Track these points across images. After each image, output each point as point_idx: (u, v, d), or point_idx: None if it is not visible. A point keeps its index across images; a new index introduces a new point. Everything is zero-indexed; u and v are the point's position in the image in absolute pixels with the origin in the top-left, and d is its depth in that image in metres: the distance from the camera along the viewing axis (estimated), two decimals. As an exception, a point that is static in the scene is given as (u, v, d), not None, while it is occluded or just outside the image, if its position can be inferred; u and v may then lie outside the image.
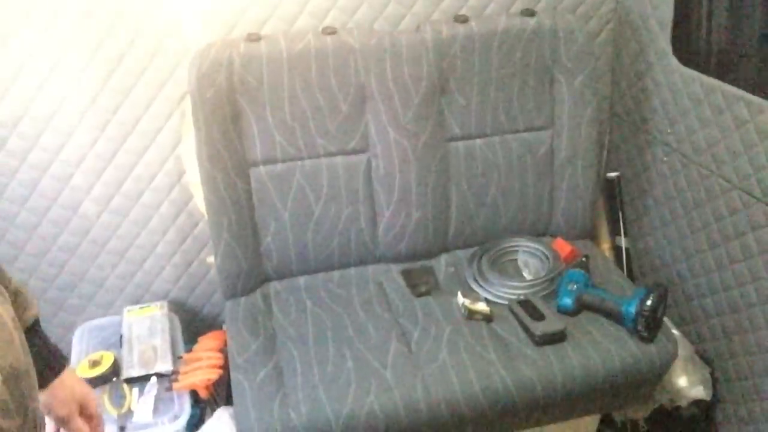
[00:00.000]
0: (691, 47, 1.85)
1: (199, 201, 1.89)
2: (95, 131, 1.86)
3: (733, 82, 1.70)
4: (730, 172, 1.73)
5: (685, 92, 1.86)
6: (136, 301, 2.09)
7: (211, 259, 1.91)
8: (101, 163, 1.90)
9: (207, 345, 1.95)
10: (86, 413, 1.11)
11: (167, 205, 2.00)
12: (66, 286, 2.03)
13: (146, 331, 1.94)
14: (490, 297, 1.81)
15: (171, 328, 1.97)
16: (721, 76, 1.74)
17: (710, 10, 1.76)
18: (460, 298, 1.77)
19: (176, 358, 1.87)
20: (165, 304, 2.05)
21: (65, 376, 1.07)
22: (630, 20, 2.05)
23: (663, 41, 1.91)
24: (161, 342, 1.90)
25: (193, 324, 2.13)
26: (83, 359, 1.85)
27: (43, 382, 1.03)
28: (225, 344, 1.86)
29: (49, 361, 1.05)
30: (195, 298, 2.16)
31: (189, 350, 1.94)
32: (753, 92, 1.64)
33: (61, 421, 1.08)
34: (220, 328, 2.04)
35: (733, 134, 1.70)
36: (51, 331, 2.01)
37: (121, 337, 1.93)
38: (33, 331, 1.03)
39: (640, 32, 2.01)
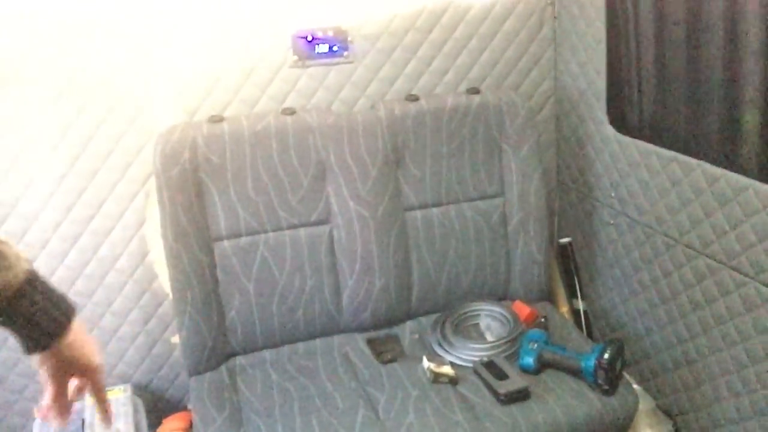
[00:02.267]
0: (626, 116, 2.00)
1: (164, 280, 1.92)
2: (60, 213, 1.89)
3: (666, 145, 1.83)
4: (672, 229, 1.84)
5: (623, 158, 1.99)
6: (99, 384, 2.05)
7: (175, 339, 1.92)
8: (65, 245, 1.92)
9: (171, 426, 1.92)
10: (91, 378, 1.00)
11: (131, 286, 2.01)
12: (27, 372, 1.99)
13: (109, 415, 1.89)
14: (454, 360, 1.84)
15: (134, 412, 1.93)
16: (654, 141, 1.88)
17: (639, 83, 1.92)
18: (426, 363, 1.79)
19: (140, 441, 1.83)
20: (128, 387, 2.00)
21: (73, 331, 0.95)
22: (568, 95, 2.22)
23: (600, 112, 2.07)
24: (124, 426, 1.86)
25: (157, 407, 2.09)
26: (43, 446, 1.80)
27: (48, 341, 0.92)
28: (190, 425, 1.84)
29: (54, 317, 0.92)
30: (159, 380, 2.13)
31: (153, 432, 1.90)
32: (684, 153, 1.77)
33: (56, 380, 0.96)
34: (186, 409, 2.01)
35: (671, 193, 1.82)
36: (10, 419, 1.98)
37: (83, 422, 1.88)
38: (23, 292, 0.88)
39: (579, 106, 2.17)
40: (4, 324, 0.89)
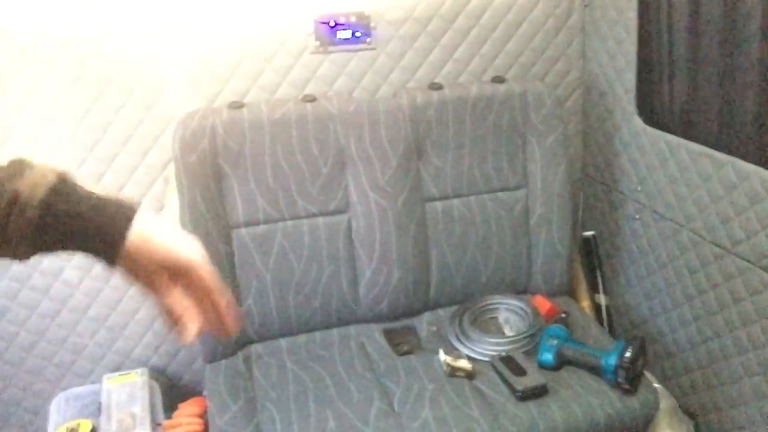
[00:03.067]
0: (655, 108, 1.94)
1: (182, 265, 1.91)
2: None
3: (696, 140, 1.78)
4: (700, 225, 1.79)
5: (651, 151, 1.94)
6: (116, 368, 2.06)
7: (192, 324, 1.91)
8: (84, 229, 1.92)
9: (187, 411, 1.92)
10: (187, 281, 0.79)
11: (149, 271, 2.01)
12: (45, 354, 2.00)
13: (126, 399, 1.90)
14: (472, 354, 1.81)
15: (151, 396, 1.94)
16: (684, 134, 1.82)
17: (671, 73, 1.86)
18: (442, 356, 1.77)
19: (155, 426, 1.83)
20: (145, 371, 2.02)
21: (139, 231, 0.76)
22: (596, 86, 2.16)
23: (628, 104, 2.01)
24: (140, 409, 1.87)
25: (173, 391, 2.09)
26: (59, 428, 1.81)
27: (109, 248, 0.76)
28: (205, 411, 1.84)
29: (106, 217, 0.75)
30: (176, 364, 2.14)
31: (169, 417, 1.91)
32: (715, 148, 1.71)
33: (150, 291, 0.79)
34: (201, 395, 2.02)
35: (700, 189, 1.77)
36: (28, 401, 2.00)
37: (99, 405, 1.90)
38: (57, 191, 0.73)
39: (607, 96, 2.11)
40: (49, 239, 0.74)
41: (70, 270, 1.95)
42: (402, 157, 1.90)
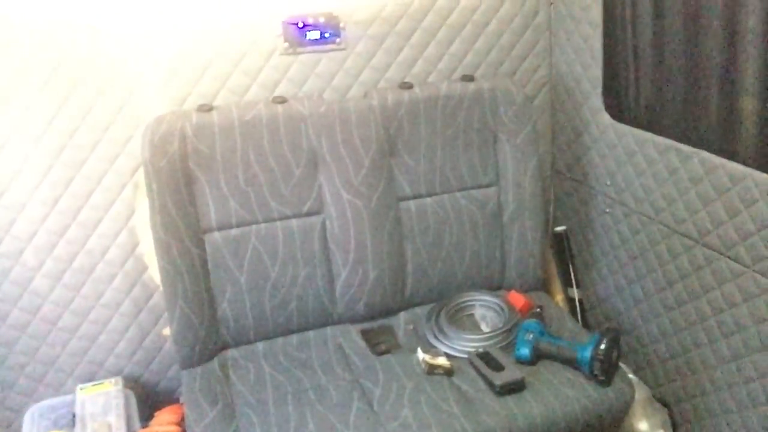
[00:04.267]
0: (622, 104, 1.97)
1: (154, 271, 1.89)
2: (47, 206, 1.86)
3: (663, 133, 1.81)
4: (668, 218, 1.82)
5: (619, 146, 1.97)
6: (90, 378, 2.02)
7: (166, 331, 1.89)
8: (53, 237, 1.89)
9: (164, 420, 1.89)
10: None
11: (121, 278, 1.98)
12: (16, 366, 1.96)
13: (100, 409, 1.87)
14: (449, 351, 1.82)
15: (126, 405, 1.90)
16: (651, 129, 1.85)
17: (636, 69, 1.89)
18: (420, 354, 1.77)
19: (132, 435, 1.81)
20: (119, 380, 1.98)
21: None
22: (564, 82, 2.19)
23: (596, 100, 2.04)
24: (116, 419, 1.84)
25: (149, 399, 2.06)
26: (33, 441, 1.78)
27: None
28: (182, 418, 1.82)
29: None
30: (150, 372, 2.11)
31: (145, 426, 1.88)
32: (681, 141, 1.75)
33: None
34: (177, 402, 1.99)
35: (668, 182, 1.80)
36: (0, 414, 1.95)
37: (73, 416, 1.86)
38: None
39: (574, 93, 2.14)
40: None
41: (39, 279, 1.91)
42: (374, 157, 1.90)
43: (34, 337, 1.95)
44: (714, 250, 1.69)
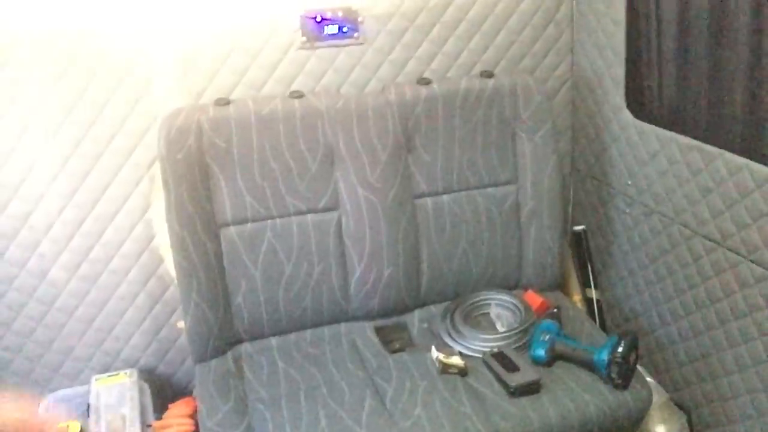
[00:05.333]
0: (645, 102, 1.94)
1: (169, 265, 1.89)
2: (63, 198, 1.87)
3: (686, 133, 1.77)
4: (690, 219, 1.78)
5: (641, 145, 1.93)
6: (105, 369, 2.04)
7: (181, 324, 1.89)
8: (69, 229, 1.90)
9: (177, 412, 1.90)
10: None
11: (136, 271, 1.99)
12: (33, 356, 1.98)
13: (115, 400, 1.88)
14: (464, 350, 1.80)
15: (140, 396, 1.92)
16: (674, 128, 1.82)
17: (660, 67, 1.85)
18: (434, 353, 1.76)
19: (145, 427, 1.82)
20: (134, 371, 2.00)
21: None
22: (585, 80, 2.15)
23: (617, 98, 2.00)
24: (130, 411, 1.85)
25: (163, 391, 2.07)
26: (48, 431, 1.79)
27: None
28: (195, 411, 1.82)
29: None
30: (165, 365, 2.12)
31: (159, 418, 1.89)
32: (705, 141, 1.71)
33: None
34: (191, 395, 2.00)
35: (690, 182, 1.76)
36: (15, 403, 1.96)
37: (88, 406, 1.88)
38: None
39: (596, 90, 2.10)
40: None
41: (56, 270, 1.92)
42: (391, 153, 1.88)
43: (50, 327, 1.97)
44: (736, 254, 1.65)
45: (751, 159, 1.57)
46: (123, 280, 1.99)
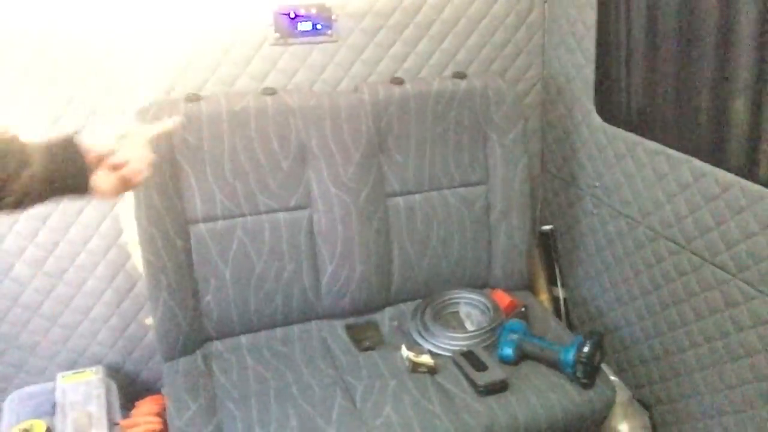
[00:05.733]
0: (613, 106, 1.97)
1: (137, 261, 1.87)
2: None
3: (653, 138, 1.81)
4: (656, 222, 1.82)
5: (609, 148, 1.97)
6: (71, 366, 2.01)
7: (149, 321, 1.87)
8: (35, 224, 1.86)
9: (145, 410, 1.88)
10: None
11: (103, 266, 1.96)
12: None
13: (81, 398, 1.86)
14: (434, 349, 1.82)
15: (107, 394, 1.90)
16: (642, 132, 1.85)
17: (628, 72, 1.89)
18: (405, 352, 1.77)
19: (112, 425, 1.80)
20: (101, 369, 1.97)
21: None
22: (556, 82, 2.18)
23: (587, 101, 2.03)
24: (96, 408, 1.83)
25: (130, 389, 2.05)
26: (13, 429, 1.76)
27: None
28: (164, 409, 1.80)
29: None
30: (132, 362, 2.09)
31: (126, 416, 1.87)
32: (672, 146, 1.74)
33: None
34: (159, 392, 1.98)
35: (656, 186, 1.80)
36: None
37: (54, 404, 1.85)
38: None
39: (566, 93, 2.13)
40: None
41: (20, 266, 1.88)
42: (364, 153, 1.89)
43: (14, 324, 1.93)
44: (699, 257, 1.69)
45: (715, 166, 1.61)
46: (90, 275, 1.96)
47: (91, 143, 1.14)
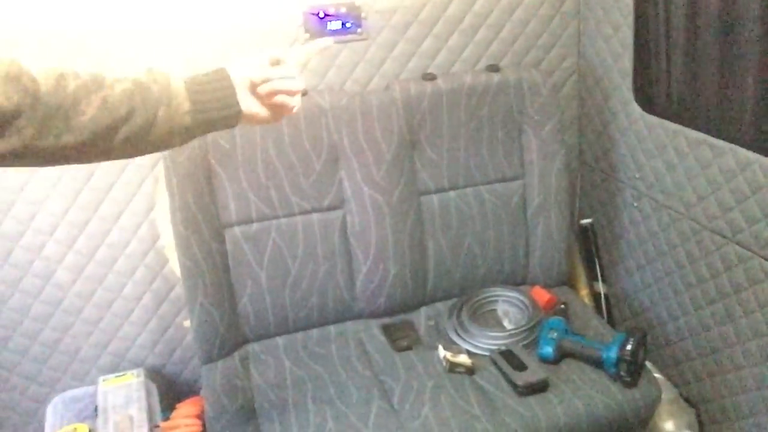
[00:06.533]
0: (653, 94, 1.91)
1: (174, 265, 1.88)
2: (67, 200, 1.86)
3: (695, 127, 1.75)
4: (699, 214, 1.76)
5: (649, 138, 1.91)
6: (112, 369, 2.04)
7: (187, 323, 1.89)
8: (74, 231, 1.89)
9: (185, 412, 1.90)
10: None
11: (142, 271, 1.98)
12: (39, 357, 1.98)
13: (122, 401, 1.88)
14: (471, 348, 1.79)
15: (148, 396, 1.92)
16: (682, 121, 1.79)
17: (668, 59, 1.83)
18: (442, 351, 1.75)
19: (153, 427, 1.82)
20: (141, 371, 2.00)
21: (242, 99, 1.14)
22: (592, 72, 2.12)
23: (625, 91, 1.98)
24: (137, 411, 1.85)
25: (170, 391, 2.07)
26: (57, 432, 1.80)
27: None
28: (203, 411, 1.82)
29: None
30: (172, 364, 2.12)
31: (166, 418, 1.89)
32: (714, 135, 1.69)
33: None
34: (199, 394, 2.00)
35: (699, 177, 1.74)
36: (23, 404, 1.99)
37: (96, 407, 1.88)
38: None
39: (603, 83, 2.07)
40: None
41: (61, 272, 1.92)
42: (396, 151, 1.86)
43: (56, 329, 1.96)
44: (746, 249, 1.63)
45: (761, 154, 1.55)
46: (129, 280, 1.98)
47: (243, 72, 1.14)
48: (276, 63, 1.18)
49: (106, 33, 1.76)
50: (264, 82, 1.15)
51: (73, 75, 0.96)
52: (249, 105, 1.14)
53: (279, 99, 1.16)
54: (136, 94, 1.01)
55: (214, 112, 1.10)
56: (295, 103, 1.19)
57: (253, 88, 1.15)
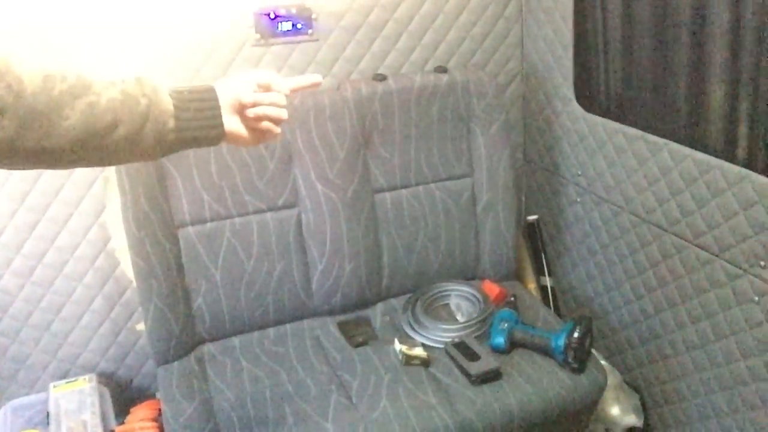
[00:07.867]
0: (593, 94, 2.00)
1: (126, 267, 1.86)
2: (15, 202, 1.82)
3: (633, 124, 1.84)
4: (638, 207, 1.85)
5: (590, 136, 2.00)
6: (63, 375, 2.00)
7: (140, 327, 1.87)
8: (22, 234, 1.85)
9: (140, 415, 1.88)
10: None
11: (92, 274, 1.95)
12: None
13: (75, 406, 1.85)
14: (426, 342, 1.83)
15: (101, 402, 1.89)
16: (621, 119, 1.88)
17: (607, 60, 1.92)
18: (397, 345, 1.79)
19: (108, 432, 1.79)
20: (93, 376, 1.96)
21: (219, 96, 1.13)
22: (535, 73, 2.20)
23: (567, 91, 2.06)
24: (91, 416, 1.82)
25: (124, 395, 2.05)
26: (7, 441, 1.76)
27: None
28: (159, 413, 1.81)
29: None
30: (125, 368, 2.09)
31: (121, 423, 1.86)
32: (651, 132, 1.78)
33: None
34: (153, 397, 1.98)
35: (637, 172, 1.83)
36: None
37: (48, 414, 1.84)
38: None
39: (546, 84, 2.16)
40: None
41: (8, 277, 1.87)
42: (349, 149, 1.90)
43: (3, 335, 1.92)
44: (683, 239, 1.72)
45: (694, 149, 1.65)
46: (78, 284, 1.95)
47: (232, 93, 1.13)
48: (266, 88, 1.18)
49: (52, 28, 1.74)
50: (254, 105, 1.15)
51: (60, 77, 0.94)
52: (233, 126, 1.14)
53: (265, 125, 1.17)
54: (124, 106, 1.00)
55: (198, 131, 1.10)
56: (279, 131, 1.20)
57: (242, 109, 1.15)
